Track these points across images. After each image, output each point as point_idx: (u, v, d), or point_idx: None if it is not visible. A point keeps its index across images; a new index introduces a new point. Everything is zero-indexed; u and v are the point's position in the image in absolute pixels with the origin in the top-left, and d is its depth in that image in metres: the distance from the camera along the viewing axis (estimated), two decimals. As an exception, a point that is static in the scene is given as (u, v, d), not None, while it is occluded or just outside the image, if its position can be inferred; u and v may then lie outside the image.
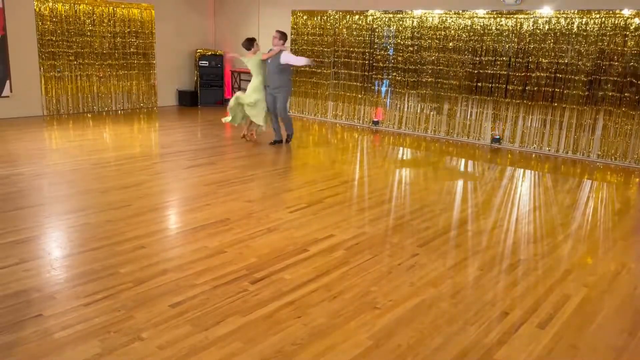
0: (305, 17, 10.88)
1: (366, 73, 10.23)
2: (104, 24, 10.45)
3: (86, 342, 2.76)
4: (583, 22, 7.79)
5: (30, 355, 2.64)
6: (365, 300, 3.35)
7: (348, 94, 10.59)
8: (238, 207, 5.08)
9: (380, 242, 4.35)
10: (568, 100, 8.10)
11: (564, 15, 7.94)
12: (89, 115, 10.32)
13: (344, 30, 10.36)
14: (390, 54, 9.84)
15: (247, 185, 5.91)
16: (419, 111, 9.70)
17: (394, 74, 9.83)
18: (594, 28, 7.71)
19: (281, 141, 8.23)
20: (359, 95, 10.44)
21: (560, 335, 3.05)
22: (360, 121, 10.56)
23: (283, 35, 7.98)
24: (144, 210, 4.88)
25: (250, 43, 8.08)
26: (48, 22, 9.69)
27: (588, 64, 7.83)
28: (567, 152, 8.28)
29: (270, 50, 7.92)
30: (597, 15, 7.66)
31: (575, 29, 7.87)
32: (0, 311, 3.03)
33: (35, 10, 9.49)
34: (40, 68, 9.74)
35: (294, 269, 3.77)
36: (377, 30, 9.95)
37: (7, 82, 9.36)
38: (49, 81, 9.91)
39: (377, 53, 10.00)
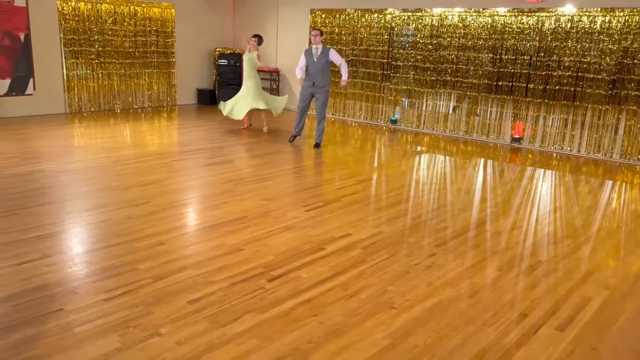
0: (323, 16, 10.89)
1: (385, 72, 10.20)
2: (125, 23, 10.58)
3: (106, 336, 2.80)
4: (606, 20, 7.66)
5: (52, 349, 2.69)
6: (382, 299, 3.35)
7: (366, 92, 10.57)
8: (255, 205, 5.10)
9: (398, 242, 4.33)
10: (590, 100, 7.97)
11: (586, 13, 7.81)
12: (110, 113, 10.46)
13: (362, 29, 10.34)
14: (409, 52, 9.79)
15: (264, 183, 5.93)
16: (437, 110, 9.65)
17: (413, 72, 9.78)
18: (617, 26, 7.58)
19: (297, 135, 8.33)
20: (377, 94, 10.42)
21: (580, 337, 3.01)
22: (379, 120, 10.53)
23: (322, 34, 7.96)
24: (163, 208, 4.93)
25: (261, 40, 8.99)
26: (71, 21, 9.85)
27: (611, 63, 7.69)
28: (588, 152, 8.15)
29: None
30: (621, 13, 7.52)
31: (598, 27, 7.74)
32: (23, 305, 3.09)
33: (58, 9, 9.64)
34: (62, 66, 9.91)
35: (310, 267, 3.77)
36: (396, 28, 9.91)
37: (31, 80, 9.54)
38: (71, 79, 10.07)
39: (396, 52, 9.96)
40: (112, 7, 10.33)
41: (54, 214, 4.67)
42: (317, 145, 7.99)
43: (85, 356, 2.63)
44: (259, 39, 8.94)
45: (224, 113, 8.92)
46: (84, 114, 10.20)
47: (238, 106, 8.78)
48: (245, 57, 8.89)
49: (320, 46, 7.77)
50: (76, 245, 4.05)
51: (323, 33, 8.15)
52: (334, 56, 7.83)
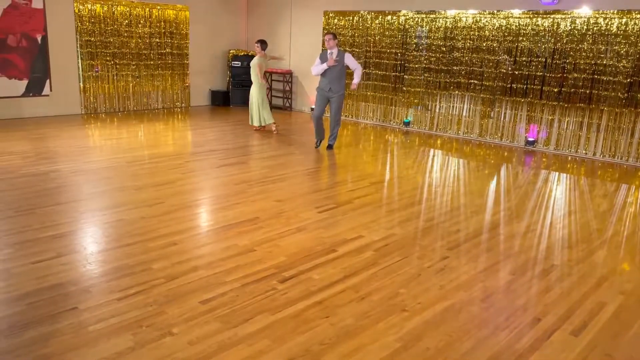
0: (337, 18, 10.89)
1: (398, 74, 10.18)
2: (140, 25, 10.68)
3: (119, 335, 2.83)
4: (623, 23, 7.58)
5: (65, 347, 2.72)
6: (394, 302, 3.34)
7: (379, 94, 10.56)
8: (268, 207, 5.11)
9: (410, 244, 4.31)
10: (606, 103, 7.89)
11: (602, 15, 7.73)
12: (125, 114, 10.56)
13: (375, 31, 10.32)
14: (423, 54, 9.76)
15: (276, 184, 5.94)
16: (451, 112, 9.61)
17: (426, 74, 9.75)
18: (634, 28, 7.49)
19: (322, 139, 8.04)
20: (390, 96, 10.40)
21: (594, 343, 2.97)
22: (391, 122, 10.51)
23: (336, 37, 7.64)
24: (176, 208, 4.97)
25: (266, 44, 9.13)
26: (87, 23, 9.96)
27: (628, 65, 7.60)
28: (604, 156, 8.06)
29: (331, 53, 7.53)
30: (638, 15, 7.43)
31: (615, 30, 7.65)
32: (38, 303, 3.13)
33: (74, 11, 9.76)
34: (79, 68, 10.02)
35: (322, 269, 3.77)
36: (409, 30, 9.89)
37: (47, 81, 9.66)
38: (87, 80, 10.18)
39: (409, 53, 9.93)
40: (127, 9, 10.43)
41: (68, 213, 4.72)
42: (329, 147, 7.98)
43: (99, 355, 2.66)
44: (262, 44, 8.95)
45: (257, 124, 9.16)
46: (100, 114, 10.31)
47: (265, 112, 9.08)
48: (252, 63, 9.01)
49: (335, 50, 7.53)
50: (90, 244, 4.09)
51: (337, 36, 7.96)
52: (349, 60, 7.64)
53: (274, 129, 9.15)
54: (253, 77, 9.01)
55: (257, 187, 5.77)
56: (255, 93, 9.01)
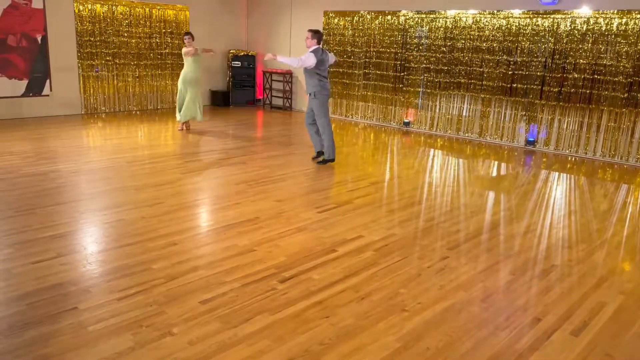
0: (337, 18, 10.89)
1: (398, 74, 10.18)
2: (140, 25, 10.68)
3: (119, 335, 2.83)
4: (623, 22, 7.57)
5: (65, 347, 2.72)
6: (394, 302, 3.33)
7: (379, 94, 10.56)
8: (268, 207, 5.11)
9: (410, 244, 4.31)
10: (606, 102, 7.89)
11: (602, 15, 7.73)
12: (125, 114, 10.55)
13: (376, 30, 10.33)
14: (423, 54, 9.76)
15: (277, 184, 5.94)
16: (451, 112, 9.61)
17: (426, 74, 9.75)
18: (634, 28, 7.49)
19: (323, 156, 7.03)
20: (390, 96, 10.40)
21: (594, 343, 2.97)
22: (391, 122, 10.51)
23: (315, 34, 6.76)
24: (176, 208, 4.96)
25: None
26: (87, 23, 9.96)
27: (628, 65, 7.60)
28: (604, 156, 8.06)
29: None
30: (638, 15, 7.43)
31: (615, 29, 7.65)
32: (38, 303, 3.13)
33: (74, 11, 9.76)
34: (79, 68, 10.02)
35: (322, 269, 3.77)
36: (409, 30, 9.89)
37: (47, 81, 9.66)
38: (87, 80, 10.18)
39: (409, 54, 9.93)
40: (127, 9, 10.43)
41: (68, 213, 4.72)
42: (322, 161, 6.99)
43: (99, 355, 2.66)
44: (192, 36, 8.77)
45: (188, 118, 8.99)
46: (100, 114, 10.31)
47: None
48: (195, 59, 8.73)
49: (310, 49, 6.71)
50: (90, 244, 4.09)
51: (318, 34, 6.77)
52: (305, 55, 6.62)
53: (180, 127, 9.10)
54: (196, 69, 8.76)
55: (257, 187, 5.77)
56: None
